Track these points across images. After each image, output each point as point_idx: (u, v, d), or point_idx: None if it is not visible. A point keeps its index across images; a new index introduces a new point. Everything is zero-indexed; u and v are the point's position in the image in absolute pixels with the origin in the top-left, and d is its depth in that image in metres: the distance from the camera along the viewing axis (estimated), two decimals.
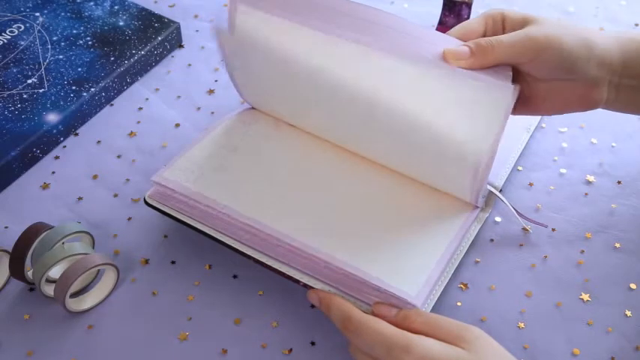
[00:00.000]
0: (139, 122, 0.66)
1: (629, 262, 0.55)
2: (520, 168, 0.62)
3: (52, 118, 0.63)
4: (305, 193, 0.54)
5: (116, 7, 0.73)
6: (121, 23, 0.72)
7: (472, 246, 0.55)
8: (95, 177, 0.62)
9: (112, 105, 0.68)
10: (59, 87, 0.65)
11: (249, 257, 0.52)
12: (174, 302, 0.53)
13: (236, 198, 0.53)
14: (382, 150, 0.56)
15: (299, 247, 0.49)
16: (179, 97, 0.69)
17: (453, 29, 0.51)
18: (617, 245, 0.56)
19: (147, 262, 0.55)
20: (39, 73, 0.66)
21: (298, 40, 0.52)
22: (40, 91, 0.65)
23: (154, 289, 0.54)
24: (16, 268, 0.52)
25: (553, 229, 0.57)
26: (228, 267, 0.55)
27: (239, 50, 0.56)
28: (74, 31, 0.70)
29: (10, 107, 0.63)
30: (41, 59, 0.68)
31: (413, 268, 0.49)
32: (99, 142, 0.65)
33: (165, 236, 0.57)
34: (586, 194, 0.60)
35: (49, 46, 0.69)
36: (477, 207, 0.54)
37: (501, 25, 0.51)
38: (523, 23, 0.50)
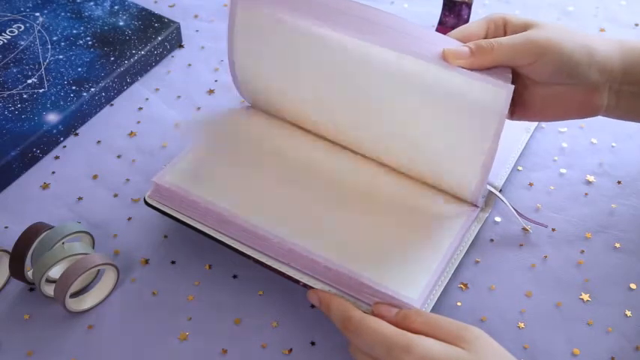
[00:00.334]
0: (139, 122, 0.66)
1: (629, 262, 0.55)
2: (520, 168, 0.62)
3: (52, 118, 0.63)
4: (305, 193, 0.54)
5: (116, 7, 0.73)
6: (121, 23, 0.72)
7: (472, 246, 0.55)
8: (95, 177, 0.62)
9: (112, 105, 0.68)
10: (59, 87, 0.65)
11: (249, 257, 0.52)
12: (174, 302, 0.53)
13: (236, 199, 0.53)
14: (382, 148, 0.56)
15: (298, 249, 0.49)
16: (179, 97, 0.69)
17: (453, 31, 0.51)
18: (617, 245, 0.56)
19: (147, 262, 0.55)
20: (39, 73, 0.66)
21: (298, 36, 0.52)
22: (40, 91, 0.65)
23: (154, 289, 0.54)
24: (16, 268, 0.52)
25: (553, 229, 0.57)
26: (228, 267, 0.55)
27: (241, 44, 0.56)
28: (74, 31, 0.70)
29: (10, 107, 0.63)
30: (41, 59, 0.68)
31: (413, 268, 0.49)
32: (99, 142, 0.65)
33: (165, 236, 0.57)
34: (586, 194, 0.60)
35: (49, 46, 0.69)
36: (477, 207, 0.54)
37: (503, 29, 0.51)
38: (524, 27, 0.50)
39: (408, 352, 0.42)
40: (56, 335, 0.51)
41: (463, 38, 0.50)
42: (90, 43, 0.69)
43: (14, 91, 0.64)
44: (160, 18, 0.72)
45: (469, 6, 0.66)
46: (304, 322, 0.52)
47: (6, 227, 0.58)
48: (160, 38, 0.71)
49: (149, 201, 0.55)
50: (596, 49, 0.49)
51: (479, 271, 0.55)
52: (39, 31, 0.70)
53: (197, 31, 0.76)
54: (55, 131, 0.63)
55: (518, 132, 0.63)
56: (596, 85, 0.50)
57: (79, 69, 0.67)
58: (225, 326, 0.52)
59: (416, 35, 0.50)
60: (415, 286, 0.48)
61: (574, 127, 0.65)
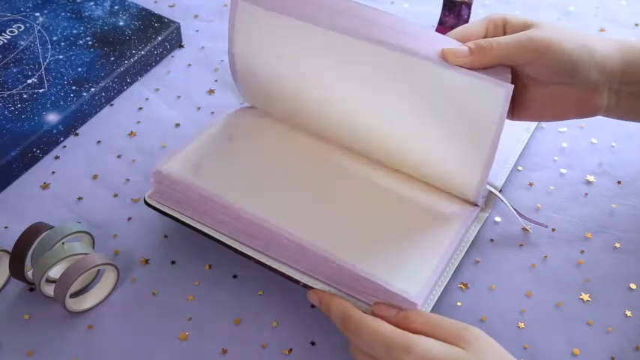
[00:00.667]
0: (139, 122, 0.66)
1: (629, 262, 0.55)
2: (520, 168, 0.62)
3: (52, 118, 0.63)
4: (304, 191, 0.54)
5: (116, 7, 0.73)
6: (121, 23, 0.72)
7: (472, 246, 0.55)
8: (95, 177, 0.62)
9: (112, 105, 0.68)
10: (59, 87, 0.65)
11: (249, 257, 0.52)
12: (174, 302, 0.53)
13: (235, 194, 0.53)
14: (382, 148, 0.56)
15: (298, 241, 0.49)
16: (179, 97, 0.69)
17: (453, 31, 0.51)
18: (617, 245, 0.56)
19: (147, 262, 0.55)
20: (39, 73, 0.66)
21: (297, 35, 0.52)
22: (40, 91, 0.65)
23: (154, 289, 0.54)
24: (16, 268, 0.52)
25: (553, 229, 0.57)
26: (228, 267, 0.55)
27: (241, 44, 0.56)
28: (74, 31, 0.70)
29: (10, 107, 0.63)
30: (41, 59, 0.68)
31: (413, 268, 0.49)
32: (99, 142, 0.65)
33: (165, 236, 0.57)
34: (586, 194, 0.60)
35: (49, 46, 0.69)
36: (477, 207, 0.54)
37: (502, 29, 0.51)
38: (524, 27, 0.50)
39: (407, 352, 0.42)
40: (56, 335, 0.51)
41: (462, 38, 0.50)
42: (90, 43, 0.69)
43: (14, 91, 0.64)
44: (160, 18, 0.72)
45: (469, 6, 0.67)
46: (304, 322, 0.52)
47: (6, 227, 0.58)
48: (160, 38, 0.71)
49: (149, 201, 0.55)
50: (595, 49, 0.49)
51: (479, 271, 0.55)
52: (39, 31, 0.70)
53: (197, 31, 0.76)
54: (55, 131, 0.63)
55: (518, 132, 0.63)
56: (596, 84, 0.50)
57: (79, 69, 0.67)
58: (225, 326, 0.52)
59: (415, 35, 0.50)
60: (415, 284, 0.48)
61: (574, 127, 0.65)
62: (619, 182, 0.61)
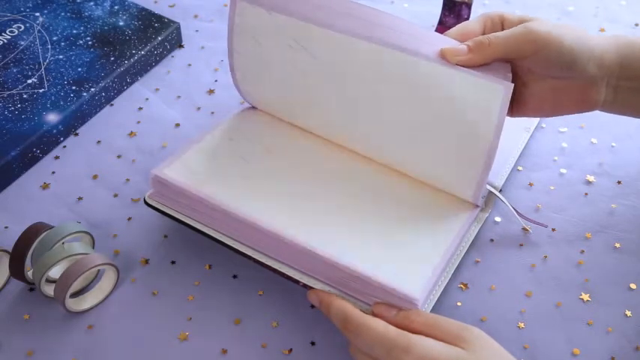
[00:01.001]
0: (139, 122, 0.66)
1: (629, 262, 0.55)
2: (520, 168, 0.62)
3: (52, 118, 0.63)
4: (305, 192, 0.54)
5: (116, 7, 0.73)
6: (121, 23, 0.72)
7: (472, 246, 0.55)
8: (95, 177, 0.62)
9: (112, 105, 0.68)
10: (59, 87, 0.65)
11: (249, 257, 0.52)
12: (174, 302, 0.53)
13: (235, 196, 0.53)
14: (382, 148, 0.56)
15: (298, 242, 0.49)
16: (179, 97, 0.69)
17: (451, 30, 0.52)
18: (617, 245, 0.56)
19: (147, 262, 0.55)
20: (39, 73, 0.66)
21: (297, 35, 0.52)
22: (40, 91, 0.65)
23: (154, 289, 0.54)
24: (16, 268, 0.52)
25: (553, 229, 0.57)
26: (228, 267, 0.55)
27: (241, 44, 0.56)
28: (74, 31, 0.70)
29: (10, 107, 0.63)
30: (41, 59, 0.68)
31: (413, 268, 0.49)
32: (99, 142, 0.65)
33: (165, 236, 0.57)
34: (586, 194, 0.60)
35: (49, 46, 0.69)
36: (477, 207, 0.54)
37: (500, 25, 0.51)
38: (521, 23, 0.50)
39: (407, 352, 0.42)
40: (56, 335, 0.51)
41: (461, 37, 0.50)
42: (90, 43, 0.69)
43: (14, 91, 0.64)
44: (160, 18, 0.72)
45: (469, 6, 0.67)
46: (304, 322, 0.52)
47: (6, 227, 0.58)
48: (160, 38, 0.71)
49: (149, 201, 0.55)
50: (593, 44, 0.49)
51: (479, 271, 0.55)
52: (39, 31, 0.70)
53: (197, 31, 0.76)
54: (55, 131, 0.63)
55: (518, 132, 0.63)
56: (594, 79, 0.50)
57: (79, 69, 0.67)
58: (225, 326, 0.52)
59: (415, 35, 0.50)
60: (415, 283, 0.48)
61: (574, 127, 0.65)
62: (619, 182, 0.61)
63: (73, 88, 0.65)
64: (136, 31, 0.71)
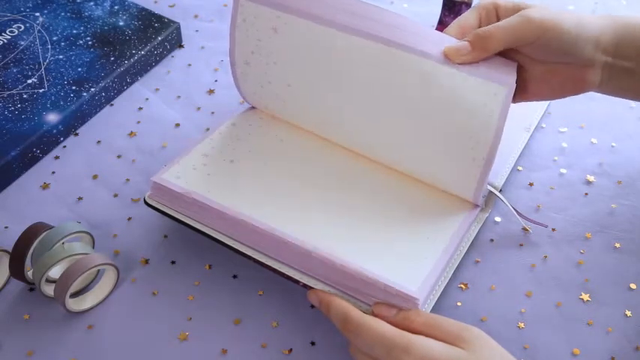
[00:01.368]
0: (139, 122, 0.66)
1: (629, 262, 0.55)
2: (520, 168, 0.62)
3: (52, 118, 0.63)
4: (305, 192, 0.54)
5: (116, 7, 0.73)
6: (121, 23, 0.72)
7: (472, 246, 0.55)
8: (95, 177, 0.62)
9: (112, 105, 0.68)
10: (59, 87, 0.65)
11: (249, 257, 0.52)
12: (174, 302, 0.53)
13: (236, 198, 0.53)
14: (382, 148, 0.56)
15: (298, 244, 0.49)
16: (179, 97, 0.69)
17: (449, 27, 0.52)
18: (617, 245, 0.56)
19: (147, 262, 0.55)
20: (39, 73, 0.66)
21: (299, 34, 0.52)
22: (40, 91, 0.65)
23: (154, 289, 0.54)
24: (16, 268, 0.52)
25: (553, 229, 0.57)
26: (228, 267, 0.55)
27: (242, 44, 0.56)
28: (74, 31, 0.70)
29: (10, 107, 0.63)
30: (41, 59, 0.68)
31: (413, 268, 0.49)
32: (99, 142, 0.65)
33: (165, 236, 0.57)
34: (586, 194, 0.60)
35: (49, 46, 0.69)
36: (477, 207, 0.54)
37: (495, 14, 0.51)
38: (516, 10, 0.50)
39: (407, 353, 0.42)
40: (56, 335, 0.51)
41: (459, 33, 0.50)
42: (90, 43, 0.69)
43: (14, 91, 0.64)
44: (160, 18, 0.72)
45: (469, 6, 0.67)
46: (304, 322, 0.52)
47: (6, 227, 0.58)
48: (160, 38, 0.71)
49: (149, 201, 0.55)
50: (589, 26, 0.49)
51: (479, 271, 0.55)
52: (39, 31, 0.70)
53: (197, 31, 0.76)
54: (55, 131, 0.63)
55: (518, 132, 0.63)
56: (591, 61, 0.50)
57: (79, 69, 0.67)
58: (225, 326, 0.52)
59: (418, 34, 0.50)
60: (415, 283, 0.48)
61: (574, 127, 0.65)
62: (619, 182, 0.61)
63: (73, 88, 0.65)
64: (136, 31, 0.71)
